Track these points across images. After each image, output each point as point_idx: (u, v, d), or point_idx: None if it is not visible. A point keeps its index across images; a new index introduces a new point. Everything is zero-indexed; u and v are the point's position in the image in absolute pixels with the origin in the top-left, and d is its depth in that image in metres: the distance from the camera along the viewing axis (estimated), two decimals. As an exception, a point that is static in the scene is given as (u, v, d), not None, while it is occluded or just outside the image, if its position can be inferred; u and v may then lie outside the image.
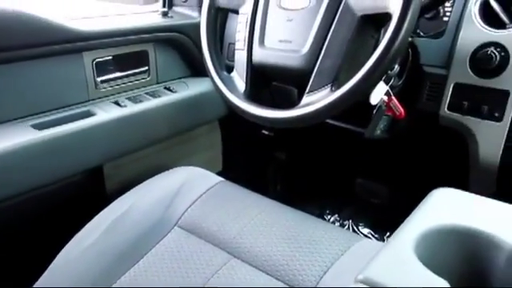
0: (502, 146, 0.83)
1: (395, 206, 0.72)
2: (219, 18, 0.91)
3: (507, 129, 0.82)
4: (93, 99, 1.05)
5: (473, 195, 0.63)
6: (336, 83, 0.73)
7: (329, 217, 1.53)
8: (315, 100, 0.73)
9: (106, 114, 1.01)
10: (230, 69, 0.89)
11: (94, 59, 1.03)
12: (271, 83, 0.88)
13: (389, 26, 0.67)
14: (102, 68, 1.05)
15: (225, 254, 0.78)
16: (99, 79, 1.05)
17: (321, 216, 1.52)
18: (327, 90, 0.73)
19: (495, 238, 0.51)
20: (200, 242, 0.81)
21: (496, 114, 0.83)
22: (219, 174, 0.99)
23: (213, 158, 1.42)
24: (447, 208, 0.55)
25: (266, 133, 1.46)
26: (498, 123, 0.83)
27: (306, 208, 1.53)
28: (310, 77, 0.75)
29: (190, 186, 0.93)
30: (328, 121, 1.11)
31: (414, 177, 1.19)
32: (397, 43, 0.65)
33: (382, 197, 1.41)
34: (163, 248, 0.80)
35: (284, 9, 0.80)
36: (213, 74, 0.87)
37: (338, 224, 1.50)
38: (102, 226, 0.82)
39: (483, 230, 0.52)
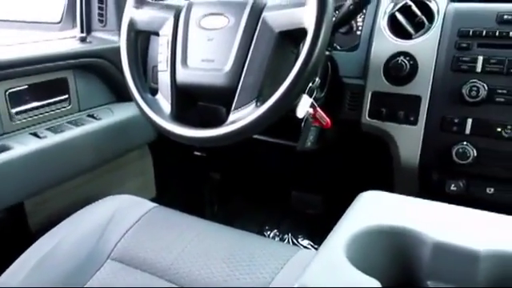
0: (420, 148, 0.89)
1: (330, 214, 0.75)
2: (140, 41, 0.90)
3: (422, 131, 0.88)
4: (8, 132, 0.98)
5: (397, 195, 0.66)
6: (261, 99, 0.74)
7: (268, 232, 1.54)
8: (241, 117, 0.73)
9: (23, 146, 0.94)
10: (155, 92, 0.88)
11: (7, 90, 0.96)
12: (197, 103, 0.87)
13: (305, 41, 0.69)
14: (16, 98, 0.99)
15: (163, 282, 0.75)
16: (14, 110, 0.98)
17: (260, 232, 1.52)
18: (252, 105, 0.74)
19: (420, 234, 0.53)
20: (136, 273, 0.77)
21: (411, 118, 0.89)
22: (153, 200, 0.96)
23: (145, 183, 1.38)
24: (374, 210, 0.58)
25: (198, 154, 1.45)
26: (414, 126, 0.89)
27: (245, 226, 1.52)
28: (234, 94, 0.76)
29: (121, 214, 0.89)
30: (260, 137, 1.12)
31: (344, 184, 1.23)
32: (314, 57, 0.68)
33: (317, 207, 1.44)
34: (97, 283, 0.76)
35: (204, 29, 0.80)
36: (137, 97, 0.85)
37: (277, 239, 1.51)
38: (27, 266, 0.76)
39: (409, 228, 0.55)
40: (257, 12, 0.75)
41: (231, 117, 0.75)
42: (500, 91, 0.81)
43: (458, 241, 0.52)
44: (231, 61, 0.77)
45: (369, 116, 0.93)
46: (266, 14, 0.75)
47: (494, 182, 0.85)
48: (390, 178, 0.98)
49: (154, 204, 0.93)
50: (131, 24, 0.88)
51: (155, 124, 0.82)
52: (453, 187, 0.87)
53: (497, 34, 0.83)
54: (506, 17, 0.82)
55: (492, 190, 0.85)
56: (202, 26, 0.81)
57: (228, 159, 1.51)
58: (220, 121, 0.77)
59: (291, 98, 0.70)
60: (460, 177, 0.87)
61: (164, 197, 1.40)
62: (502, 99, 0.82)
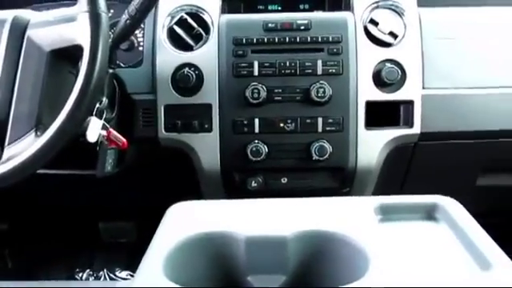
0: (219, 153, 0.92)
1: (145, 237, 0.71)
2: None
3: (218, 136, 0.92)
4: None
5: (205, 202, 0.66)
6: (41, 127, 0.66)
7: (80, 274, 1.39)
8: (19, 151, 0.63)
9: None
10: None
11: None
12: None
13: (83, 58, 0.64)
14: None
15: None
16: None
17: (71, 277, 1.37)
18: (31, 136, 0.65)
19: (232, 233, 0.55)
20: None
21: (206, 126, 0.92)
22: None
23: None
24: (185, 221, 0.57)
25: (-27, 206, 1.21)
26: (209, 133, 0.92)
27: (52, 274, 1.34)
28: (6, 126, 0.65)
29: None
30: (49, 171, 0.99)
31: (154, 203, 1.20)
32: (95, 75, 0.64)
33: (130, 233, 1.38)
34: None
35: None
36: None
37: (92, 278, 1.38)
38: None
39: (221, 230, 0.55)
40: (19, 30, 0.67)
41: (6, 153, 0.64)
42: (276, 91, 0.91)
43: (266, 231, 0.55)
44: (-6, 89, 0.66)
45: (165, 130, 0.93)
46: (30, 32, 0.67)
47: (286, 172, 0.94)
48: (198, 187, 1.00)
49: None
50: None
51: None
52: (253, 184, 0.92)
53: (265, 40, 0.92)
54: (270, 25, 0.92)
55: (286, 179, 0.95)
56: None
57: (15, 204, 1.30)
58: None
59: (76, 121, 0.64)
60: (258, 173, 0.93)
61: None
62: (280, 98, 0.91)
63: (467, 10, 1.00)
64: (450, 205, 0.62)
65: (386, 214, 0.61)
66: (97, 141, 0.77)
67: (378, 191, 0.99)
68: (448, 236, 0.57)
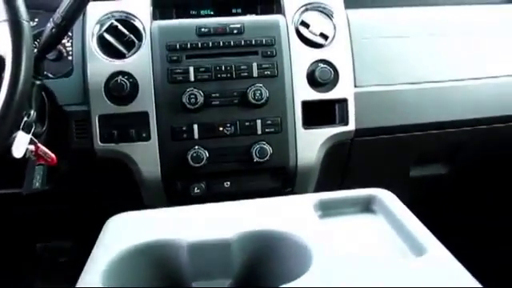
0: (159, 161, 0.91)
1: (87, 255, 0.68)
2: None
3: (157, 145, 0.90)
4: None
5: (145, 211, 0.65)
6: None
7: (19, 299, 1.31)
8: None
9: None
10: None
11: None
12: None
13: (5, 70, 0.61)
14: None
15: None
16: None
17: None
18: None
19: (173, 241, 0.54)
20: None
21: (144, 135, 0.90)
22: None
23: None
24: (124, 232, 0.55)
25: None
26: (148, 142, 0.90)
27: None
28: None
29: None
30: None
31: (94, 217, 1.15)
32: (19, 87, 0.60)
33: (70, 251, 1.32)
34: None
35: None
36: None
37: (32, 302, 1.31)
38: None
39: (162, 239, 0.54)
40: None
41: None
42: (214, 95, 0.90)
43: (208, 235, 0.54)
44: None
45: (101, 141, 0.90)
46: None
47: (228, 176, 0.94)
48: (140, 197, 0.97)
49: None
50: None
51: None
52: (196, 190, 0.92)
53: (199, 45, 0.91)
54: (203, 29, 0.92)
55: (228, 183, 0.94)
56: None
57: None
58: None
59: (1, 136, 0.61)
60: (200, 179, 0.92)
61: None
62: (217, 102, 0.91)
63: (393, 11, 1.05)
64: (385, 197, 0.65)
65: (326, 209, 0.63)
66: (25, 157, 0.73)
67: (319, 188, 1.02)
68: (384, 227, 0.60)
